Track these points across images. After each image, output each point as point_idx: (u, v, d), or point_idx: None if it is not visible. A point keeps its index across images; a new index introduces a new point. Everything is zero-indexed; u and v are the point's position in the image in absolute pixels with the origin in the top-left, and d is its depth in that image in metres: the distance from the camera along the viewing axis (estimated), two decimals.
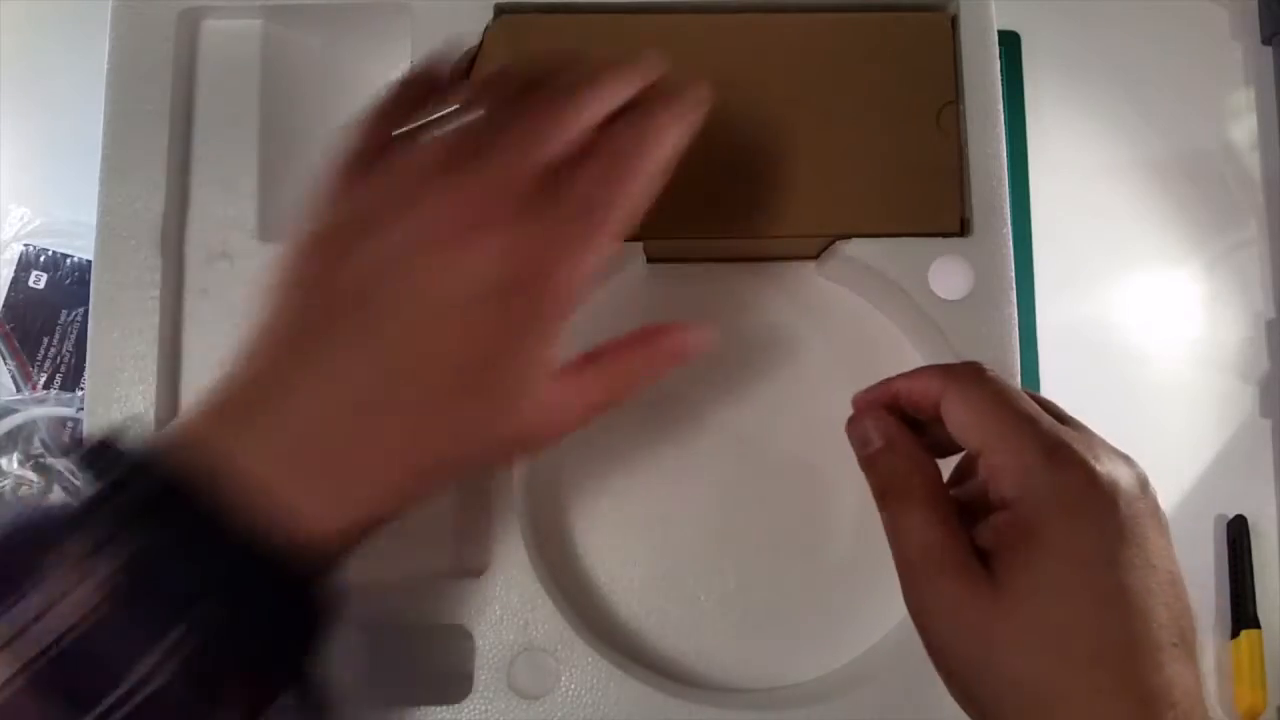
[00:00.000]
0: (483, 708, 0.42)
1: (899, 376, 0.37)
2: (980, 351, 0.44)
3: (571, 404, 0.35)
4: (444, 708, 0.42)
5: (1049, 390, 0.59)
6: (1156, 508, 0.32)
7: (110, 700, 0.26)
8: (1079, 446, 0.32)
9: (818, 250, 0.47)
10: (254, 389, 0.31)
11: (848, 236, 0.44)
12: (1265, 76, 0.64)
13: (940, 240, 0.45)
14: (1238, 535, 0.59)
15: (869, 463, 0.37)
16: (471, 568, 0.44)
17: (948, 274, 0.44)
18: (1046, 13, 0.64)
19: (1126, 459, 0.33)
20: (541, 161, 0.33)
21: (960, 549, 0.33)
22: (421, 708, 0.42)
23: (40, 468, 0.57)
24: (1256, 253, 0.63)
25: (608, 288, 0.46)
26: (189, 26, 0.48)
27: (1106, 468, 0.32)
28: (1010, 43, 0.64)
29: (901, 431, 0.36)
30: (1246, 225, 0.63)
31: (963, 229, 0.45)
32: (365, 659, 0.45)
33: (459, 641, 0.43)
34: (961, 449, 0.36)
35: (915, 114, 0.45)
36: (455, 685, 0.43)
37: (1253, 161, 0.64)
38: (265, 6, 0.48)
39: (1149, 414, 0.61)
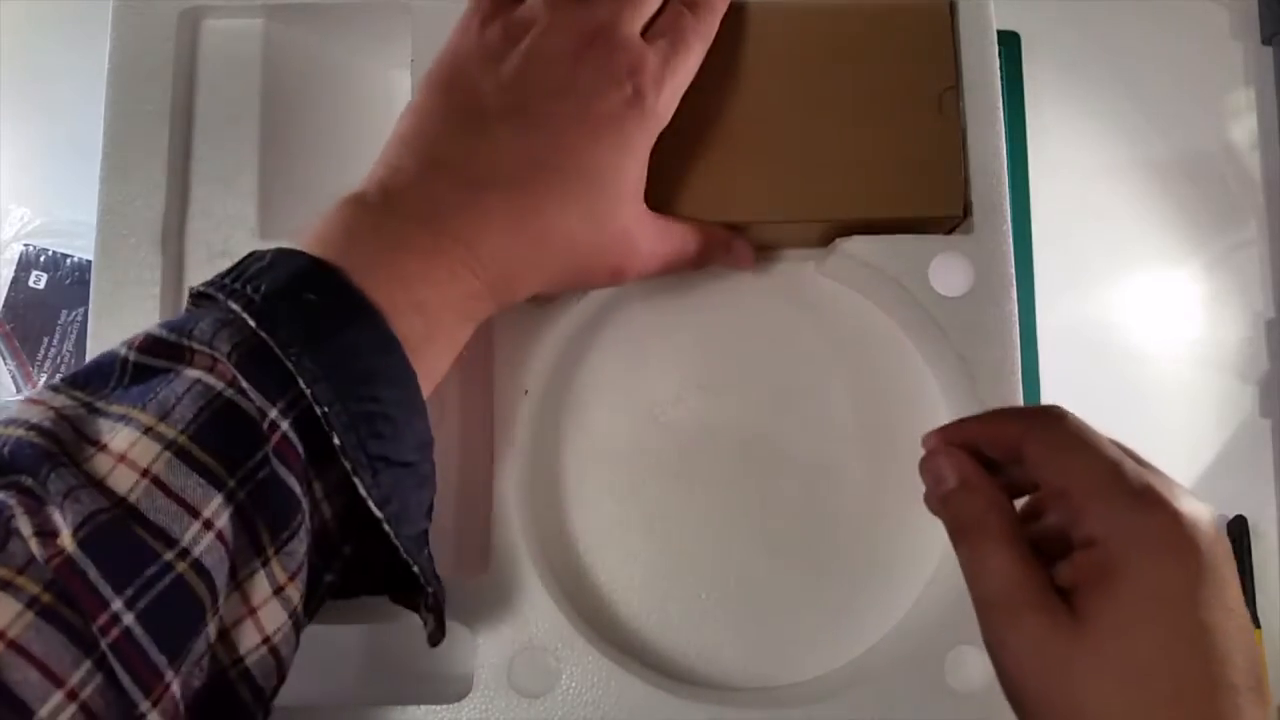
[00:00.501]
0: (483, 707, 0.42)
1: (975, 418, 0.38)
2: (981, 348, 0.44)
3: (653, 240, 0.41)
4: (444, 707, 0.42)
5: (1049, 390, 0.59)
6: (1230, 552, 0.33)
7: (252, 461, 0.31)
8: (1163, 489, 0.32)
9: (824, 238, 0.46)
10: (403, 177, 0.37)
11: (854, 222, 0.44)
12: (1265, 76, 0.64)
13: (940, 237, 0.45)
14: (1238, 535, 0.59)
15: (944, 501, 0.37)
16: (471, 568, 0.44)
17: (948, 271, 0.44)
18: (1046, 13, 0.64)
19: (1204, 504, 0.33)
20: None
21: (1042, 585, 0.33)
22: (421, 707, 0.42)
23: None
24: (1256, 253, 0.63)
25: (607, 288, 0.45)
26: (189, 26, 0.48)
27: (1189, 509, 0.32)
28: (1010, 43, 0.64)
29: (978, 470, 0.36)
30: (1246, 225, 0.63)
31: (966, 211, 0.44)
32: (365, 659, 0.45)
33: (459, 641, 0.43)
34: (1033, 489, 0.37)
35: (916, 100, 0.45)
36: (455, 684, 0.43)
37: (1253, 161, 0.64)
38: (266, 6, 0.48)
39: (1149, 414, 0.61)
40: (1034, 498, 0.37)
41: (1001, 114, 0.46)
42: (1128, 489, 0.32)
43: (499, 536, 0.43)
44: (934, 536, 0.45)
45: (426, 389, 0.35)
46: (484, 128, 0.38)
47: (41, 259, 0.58)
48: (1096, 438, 0.34)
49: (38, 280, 0.58)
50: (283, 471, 0.31)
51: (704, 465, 0.46)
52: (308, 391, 0.31)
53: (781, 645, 0.45)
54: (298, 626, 0.33)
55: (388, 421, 0.32)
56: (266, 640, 0.32)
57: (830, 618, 0.45)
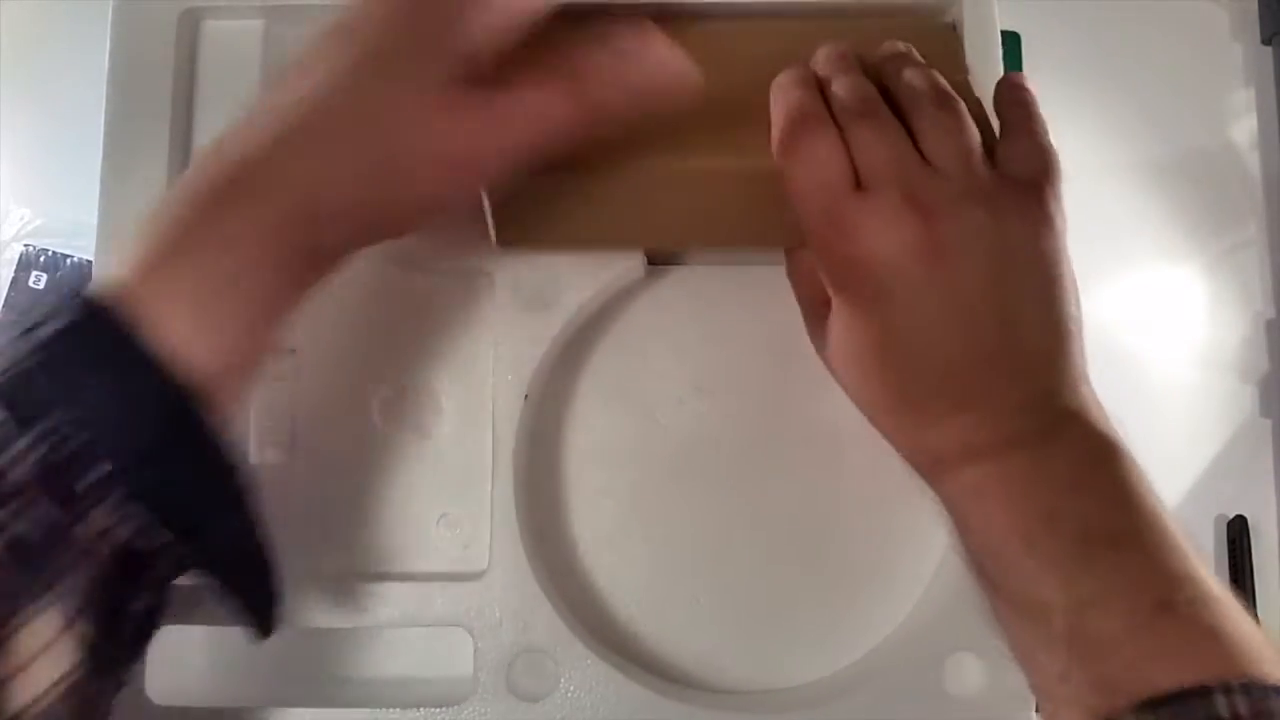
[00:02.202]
0: (482, 709, 0.42)
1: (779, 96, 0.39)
2: None
3: (479, 135, 0.34)
4: (443, 709, 0.42)
5: None
6: (928, 255, 0.36)
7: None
8: (846, 221, 0.36)
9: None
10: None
11: None
12: (1265, 76, 0.64)
13: None
14: (1238, 535, 0.59)
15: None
16: (471, 568, 0.44)
17: None
18: (1046, 13, 0.64)
19: (915, 204, 0.36)
20: None
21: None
22: (421, 710, 0.42)
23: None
24: (1256, 253, 0.63)
25: (606, 289, 0.45)
26: (190, 27, 0.48)
27: (865, 243, 0.36)
28: (1010, 43, 0.64)
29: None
30: (1246, 225, 0.63)
31: None
32: (365, 661, 0.45)
33: (458, 643, 0.43)
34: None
35: None
36: (454, 687, 0.43)
37: (1253, 161, 0.64)
38: (266, 7, 0.48)
39: (1149, 414, 0.61)
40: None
41: None
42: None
43: (498, 539, 0.44)
44: (934, 541, 0.45)
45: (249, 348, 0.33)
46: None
47: (41, 259, 0.58)
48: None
49: (38, 280, 0.58)
50: (41, 510, 0.29)
51: (704, 468, 0.46)
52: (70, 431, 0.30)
53: (780, 649, 0.45)
54: (101, 669, 0.31)
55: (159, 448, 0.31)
56: (46, 692, 0.30)
57: (829, 622, 0.46)
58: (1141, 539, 0.32)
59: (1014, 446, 0.34)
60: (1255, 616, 0.57)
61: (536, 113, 0.34)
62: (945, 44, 0.45)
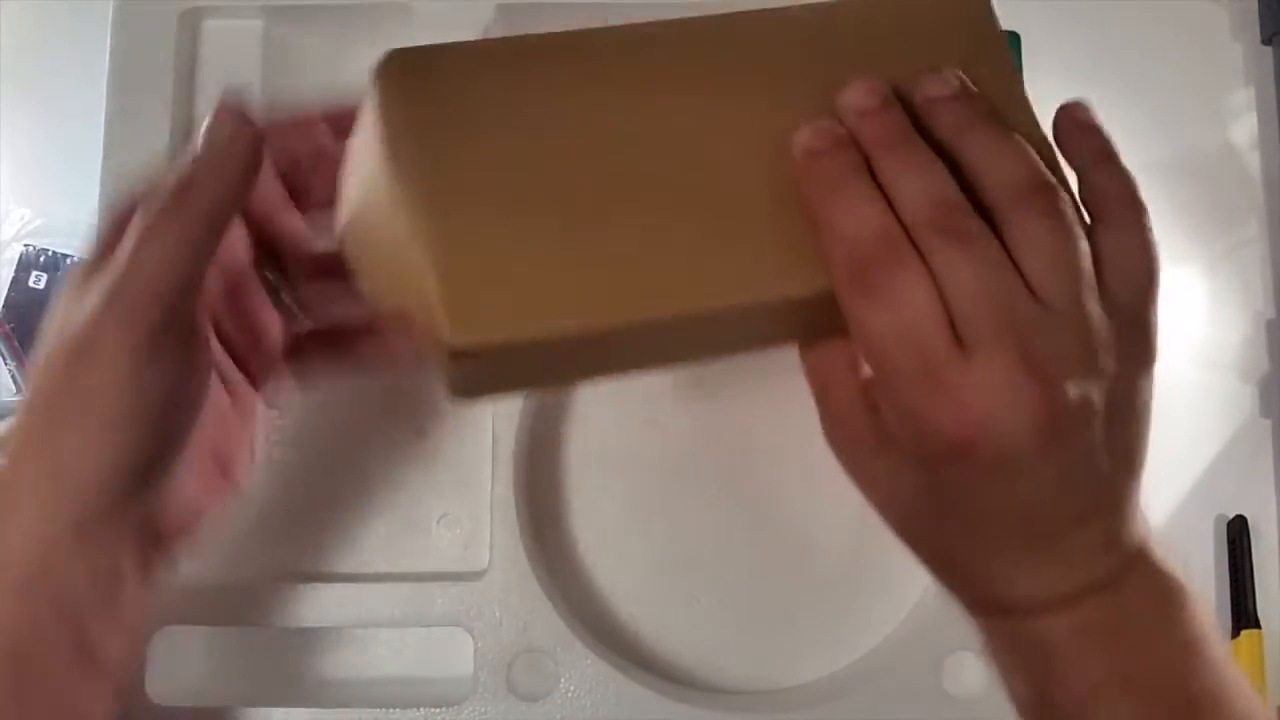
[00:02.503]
0: (482, 709, 0.42)
1: (833, 201, 0.30)
2: None
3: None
4: (443, 709, 0.42)
5: None
6: (1046, 427, 0.29)
7: None
8: (949, 389, 0.29)
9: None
10: None
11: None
12: (1265, 76, 0.64)
13: None
14: (1238, 535, 0.59)
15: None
16: (471, 568, 0.44)
17: None
18: (1046, 13, 0.64)
19: (1034, 372, 0.29)
20: None
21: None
22: (421, 710, 0.42)
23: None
24: (1256, 253, 0.63)
25: None
26: (190, 27, 0.48)
27: (968, 419, 0.29)
28: (1010, 43, 0.64)
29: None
30: (1246, 225, 0.63)
31: None
32: (365, 662, 0.45)
33: (459, 642, 0.43)
34: None
35: None
36: (455, 686, 0.43)
37: (1253, 161, 0.64)
38: (266, 7, 0.48)
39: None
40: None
41: None
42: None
43: (498, 540, 0.44)
44: None
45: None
46: None
47: (41, 259, 0.58)
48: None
49: (38, 280, 0.58)
50: None
51: (703, 468, 0.46)
52: None
53: (779, 649, 0.45)
54: None
55: None
56: None
57: (829, 622, 0.46)
58: (1216, 702, 0.30)
59: (1087, 594, 0.31)
60: (1255, 616, 0.57)
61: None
62: (994, 68, 0.35)
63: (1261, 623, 0.58)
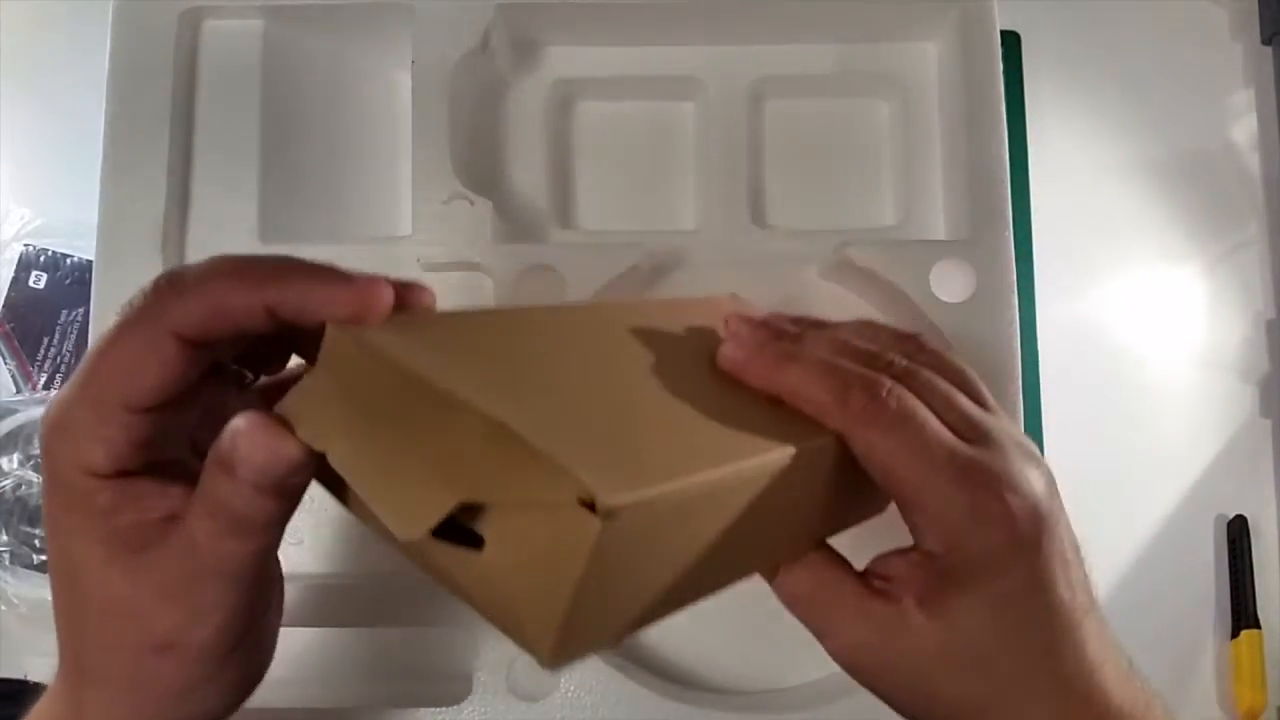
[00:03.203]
0: (482, 709, 0.42)
1: (791, 367, 0.32)
2: (982, 353, 0.44)
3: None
4: (443, 709, 0.42)
5: (1049, 390, 0.59)
6: (1059, 500, 0.32)
7: None
8: (992, 472, 0.30)
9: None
10: None
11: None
12: (1265, 76, 0.64)
13: (943, 243, 0.45)
14: (1238, 535, 0.59)
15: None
16: None
17: (950, 277, 0.44)
18: (1046, 13, 0.64)
19: (1034, 458, 0.32)
20: None
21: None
22: (421, 709, 0.42)
23: (40, 468, 0.56)
24: (1256, 253, 0.63)
25: (607, 288, 0.45)
26: (190, 27, 0.48)
27: (1022, 491, 0.30)
28: (1010, 43, 0.64)
29: None
30: (1246, 225, 0.63)
31: None
32: (366, 662, 0.45)
33: (459, 642, 0.43)
34: None
35: None
36: (455, 686, 0.43)
37: (1253, 161, 0.64)
38: (266, 7, 0.48)
39: (1149, 414, 0.61)
40: None
41: (1004, 122, 0.46)
42: (958, 501, 0.30)
43: None
44: None
45: None
46: None
47: (41, 259, 0.58)
48: (916, 432, 0.30)
49: (38, 280, 0.58)
50: None
51: None
52: None
53: (779, 649, 0.45)
54: None
55: None
56: None
57: None
58: None
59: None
60: (1255, 616, 0.57)
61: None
62: None
63: (1261, 623, 0.58)
